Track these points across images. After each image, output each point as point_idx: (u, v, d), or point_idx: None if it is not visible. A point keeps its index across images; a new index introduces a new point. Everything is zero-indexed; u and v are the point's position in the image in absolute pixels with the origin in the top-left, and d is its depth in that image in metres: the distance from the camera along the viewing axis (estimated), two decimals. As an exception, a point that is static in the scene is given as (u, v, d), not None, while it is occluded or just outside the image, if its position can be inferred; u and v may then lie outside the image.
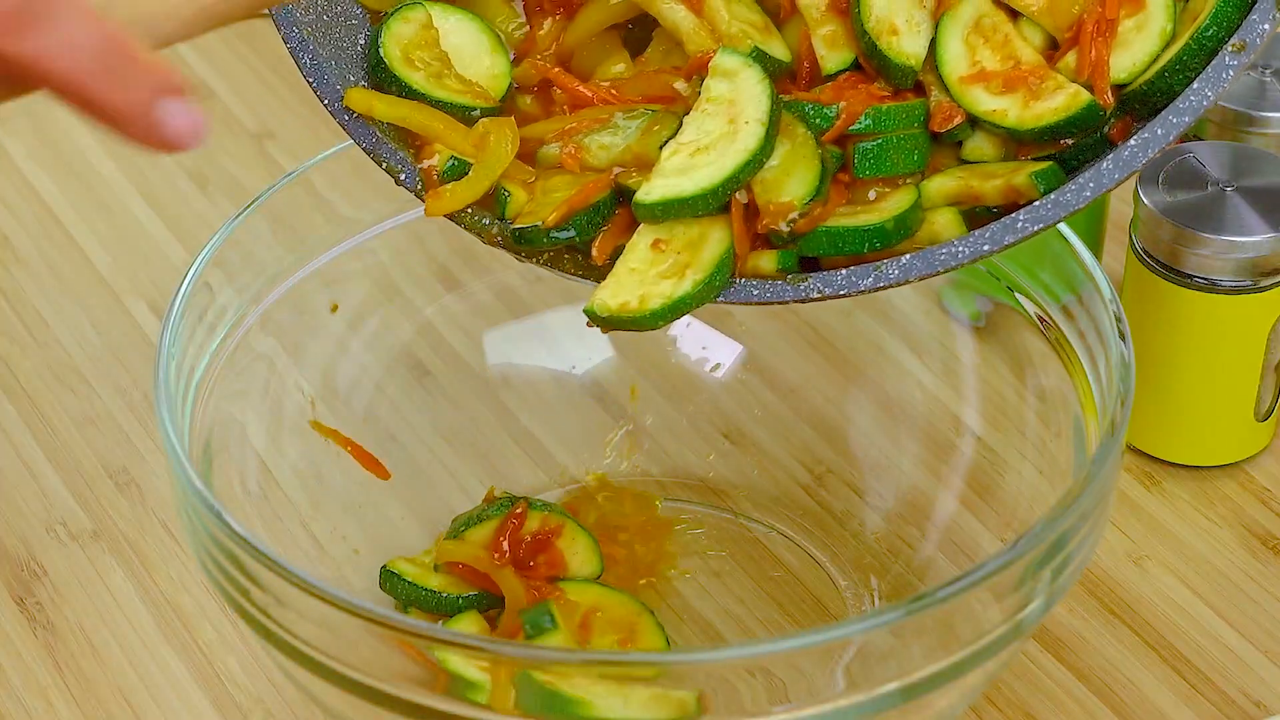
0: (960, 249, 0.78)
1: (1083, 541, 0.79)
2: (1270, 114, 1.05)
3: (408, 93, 0.83)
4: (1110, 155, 0.77)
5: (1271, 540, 0.99)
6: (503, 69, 0.86)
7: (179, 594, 0.97)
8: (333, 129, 1.24)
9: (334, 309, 0.97)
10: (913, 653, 0.75)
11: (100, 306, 1.13)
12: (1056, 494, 0.87)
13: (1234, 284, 0.97)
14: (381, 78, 0.84)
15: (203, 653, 0.95)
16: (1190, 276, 0.97)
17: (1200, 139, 1.06)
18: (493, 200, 0.82)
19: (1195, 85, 0.77)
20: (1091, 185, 0.77)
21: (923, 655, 0.75)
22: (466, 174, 0.82)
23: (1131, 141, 0.77)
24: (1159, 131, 0.77)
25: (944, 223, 0.79)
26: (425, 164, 0.82)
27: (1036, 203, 0.77)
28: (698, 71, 0.82)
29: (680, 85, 0.83)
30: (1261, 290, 0.97)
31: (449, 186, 0.82)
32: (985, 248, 0.78)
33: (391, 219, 0.97)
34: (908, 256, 0.78)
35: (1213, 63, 0.77)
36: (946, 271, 0.78)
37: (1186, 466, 1.03)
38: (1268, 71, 1.07)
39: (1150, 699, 0.92)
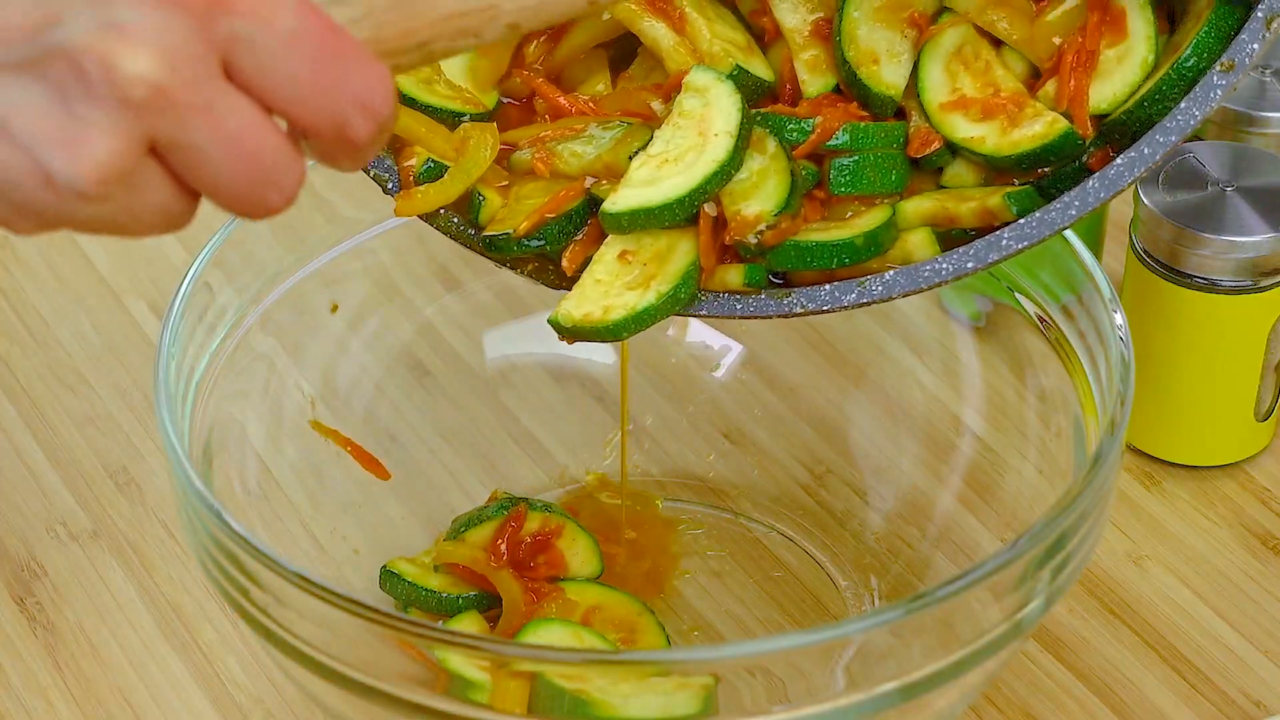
0: (944, 266, 0.78)
1: (1083, 541, 0.79)
2: (1270, 114, 1.05)
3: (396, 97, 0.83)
4: (1096, 174, 0.77)
5: (1271, 540, 0.99)
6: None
7: (179, 594, 0.97)
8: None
9: (334, 309, 0.97)
10: (912, 652, 0.75)
11: (100, 306, 1.13)
12: (1056, 494, 0.87)
13: (1234, 284, 0.97)
14: None
15: (203, 653, 0.95)
16: (1190, 276, 0.97)
17: (1200, 139, 1.06)
18: (467, 204, 0.82)
19: (1183, 105, 0.76)
20: (1076, 204, 0.77)
21: (922, 655, 0.75)
22: (442, 176, 0.82)
23: (1118, 161, 0.77)
24: (1145, 151, 0.76)
25: (917, 242, 0.79)
26: (404, 165, 0.83)
27: (1022, 220, 0.77)
28: (676, 90, 0.83)
29: (656, 105, 0.83)
30: (1261, 290, 0.97)
31: (420, 188, 0.82)
32: (969, 265, 0.78)
33: (391, 219, 0.97)
34: (891, 272, 0.78)
35: (1201, 81, 0.76)
36: (930, 288, 0.78)
37: (1186, 466, 1.03)
38: (1268, 72, 1.07)
39: (1150, 699, 0.92)
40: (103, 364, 1.10)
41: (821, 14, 0.83)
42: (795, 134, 0.80)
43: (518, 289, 1.02)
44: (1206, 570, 0.98)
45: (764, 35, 0.85)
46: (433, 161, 0.82)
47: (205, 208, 0.66)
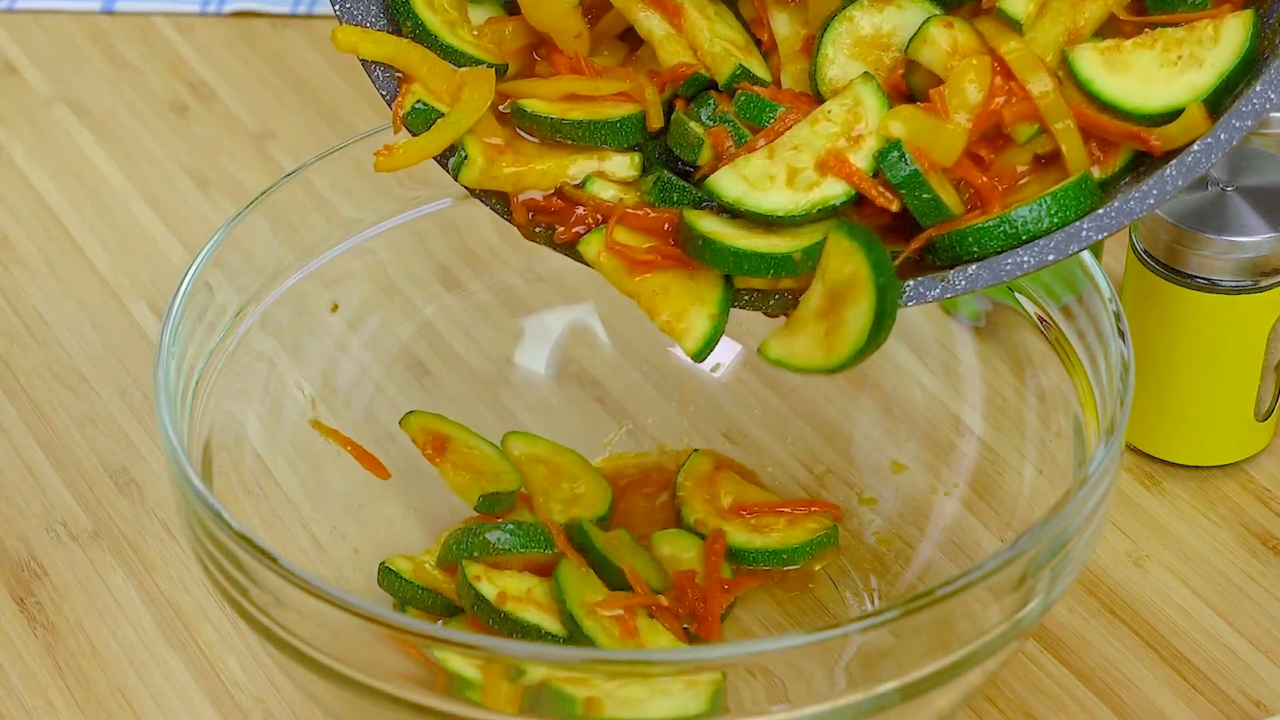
0: (1025, 258, 0.79)
1: (1082, 541, 0.79)
2: (1271, 114, 1.05)
3: (420, 32, 0.84)
4: (1174, 161, 0.77)
5: (1271, 540, 0.99)
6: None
7: (179, 594, 0.97)
8: (333, 129, 1.24)
9: (334, 309, 0.97)
10: (912, 652, 0.75)
11: (100, 306, 1.13)
12: (1056, 494, 0.87)
13: (1234, 284, 0.97)
14: (399, 11, 0.84)
15: (203, 653, 0.95)
16: (1190, 276, 0.97)
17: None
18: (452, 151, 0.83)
19: (1257, 88, 0.76)
20: (1155, 192, 0.77)
21: (922, 655, 0.75)
22: (432, 120, 0.82)
23: (1195, 147, 0.77)
24: (1222, 136, 0.77)
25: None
26: (397, 106, 0.83)
27: (1101, 210, 0.78)
28: (670, 83, 0.83)
29: (650, 95, 0.84)
30: (1261, 290, 0.97)
31: (401, 145, 0.82)
32: (1050, 257, 0.78)
33: (391, 219, 0.97)
34: (974, 266, 0.79)
35: (1275, 64, 0.76)
36: (1013, 279, 0.78)
37: (1186, 466, 1.03)
38: (1268, 71, 1.07)
39: (1150, 699, 0.92)
40: (103, 364, 1.10)
41: (813, 31, 0.85)
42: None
43: (518, 289, 1.02)
44: (1206, 570, 0.98)
45: (761, 44, 0.87)
46: (422, 104, 0.82)
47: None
